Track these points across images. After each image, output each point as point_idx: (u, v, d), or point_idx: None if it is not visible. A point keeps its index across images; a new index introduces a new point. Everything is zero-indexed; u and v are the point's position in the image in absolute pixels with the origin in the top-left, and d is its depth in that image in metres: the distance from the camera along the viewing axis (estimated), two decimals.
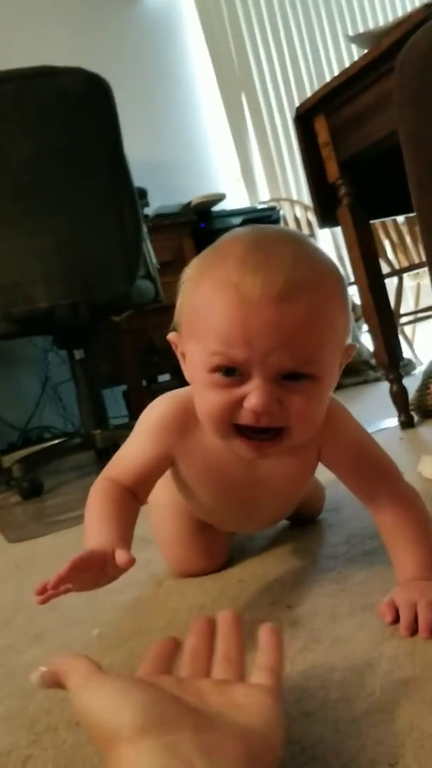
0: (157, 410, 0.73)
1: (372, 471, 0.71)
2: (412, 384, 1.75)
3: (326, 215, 1.63)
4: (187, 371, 0.65)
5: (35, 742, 0.55)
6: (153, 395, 2.59)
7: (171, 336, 0.66)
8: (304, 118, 1.59)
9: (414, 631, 0.57)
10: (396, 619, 0.60)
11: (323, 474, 0.79)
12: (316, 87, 1.56)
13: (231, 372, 0.57)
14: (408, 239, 3.28)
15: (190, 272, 0.62)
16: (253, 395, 0.56)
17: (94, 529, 0.67)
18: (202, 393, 0.61)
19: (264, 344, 0.55)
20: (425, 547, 0.66)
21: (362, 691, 0.50)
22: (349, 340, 0.64)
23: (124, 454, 0.74)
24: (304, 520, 0.98)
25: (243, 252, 0.57)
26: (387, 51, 1.29)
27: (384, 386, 1.79)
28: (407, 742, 0.43)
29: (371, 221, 1.71)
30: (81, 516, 1.43)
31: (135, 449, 0.73)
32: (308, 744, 0.45)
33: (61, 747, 0.53)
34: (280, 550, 0.90)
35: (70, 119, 1.85)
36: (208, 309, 0.57)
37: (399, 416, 1.66)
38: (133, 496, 0.72)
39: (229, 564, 0.89)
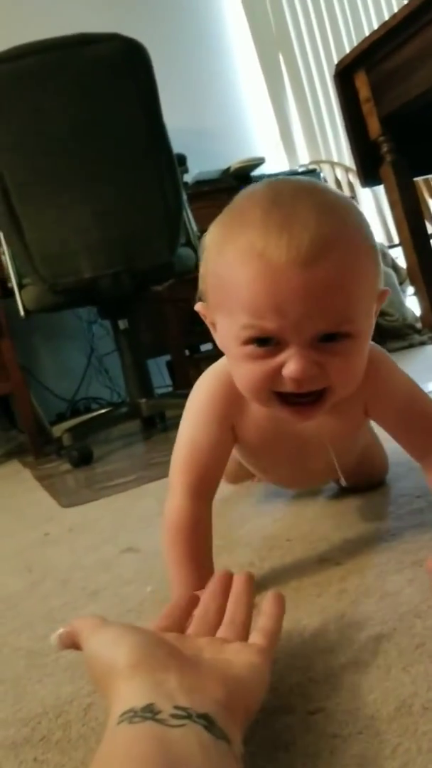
0: (206, 390, 0.72)
1: (423, 425, 0.70)
2: None
3: (368, 174, 1.59)
4: (220, 342, 0.63)
5: (96, 690, 0.57)
6: (196, 364, 2.62)
7: (198, 307, 0.64)
8: (344, 74, 1.55)
9: None
10: None
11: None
12: (356, 44, 1.52)
13: (265, 342, 0.56)
14: None
15: (210, 238, 0.59)
16: (292, 363, 0.55)
17: (178, 574, 0.68)
18: (238, 365, 0.60)
19: (296, 311, 0.53)
20: None
21: (412, 642, 0.51)
22: (382, 284, 0.61)
23: (186, 443, 0.72)
24: (363, 488, 0.95)
25: (262, 214, 0.54)
26: (427, 1, 1.25)
27: (430, 349, 1.76)
28: None
29: (415, 178, 1.67)
30: (129, 482, 1.47)
31: (194, 434, 0.71)
32: (363, 692, 0.46)
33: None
34: (327, 511, 0.91)
35: (108, 87, 1.85)
36: (233, 280, 0.55)
37: None
38: (205, 507, 0.71)
39: (275, 525, 0.91)
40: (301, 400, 0.59)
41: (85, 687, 0.58)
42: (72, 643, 0.47)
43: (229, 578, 0.55)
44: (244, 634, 0.48)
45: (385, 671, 0.48)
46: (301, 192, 0.56)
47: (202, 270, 0.61)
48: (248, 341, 0.56)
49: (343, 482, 0.83)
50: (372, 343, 0.67)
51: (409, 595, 0.59)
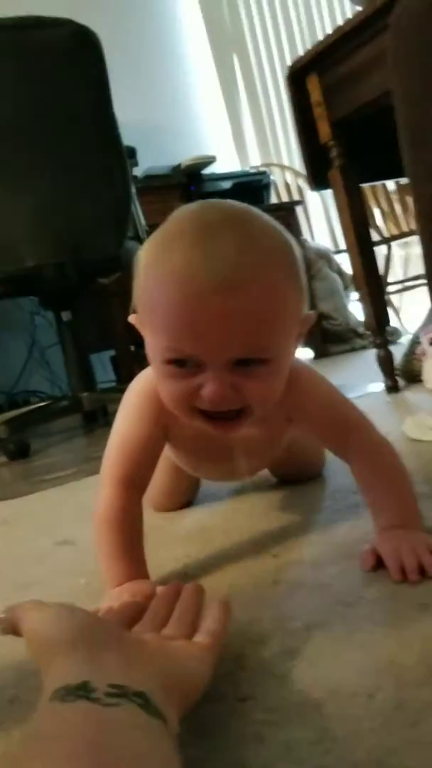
0: (142, 388, 0.73)
1: (342, 428, 0.73)
2: (398, 352, 1.76)
3: (317, 177, 1.61)
4: (148, 355, 0.64)
5: (22, 681, 0.56)
6: (141, 360, 2.58)
7: (132, 318, 0.65)
8: (297, 77, 1.56)
9: (404, 575, 0.58)
10: (376, 566, 0.61)
11: None
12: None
13: (185, 363, 0.58)
14: (398, 208, 3.26)
15: (142, 256, 0.60)
16: (208, 385, 0.57)
17: (110, 568, 0.67)
18: (161, 381, 0.62)
19: (212, 337, 0.55)
20: (399, 496, 0.68)
21: (343, 631, 0.52)
22: (305, 309, 0.64)
23: (119, 437, 0.73)
24: (299, 480, 0.99)
25: (187, 241, 0.55)
26: (382, 7, 1.27)
27: (371, 353, 1.80)
28: (386, 676, 0.44)
29: (362, 185, 1.70)
30: (68, 476, 1.45)
31: (127, 430, 0.72)
32: (293, 679, 0.47)
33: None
34: (265, 505, 0.91)
35: (57, 73, 1.81)
36: (156, 303, 0.57)
37: (385, 381, 1.67)
38: (136, 499, 0.71)
39: (213, 519, 0.91)
40: (221, 416, 0.61)
41: (11, 677, 0.57)
42: (12, 629, 0.46)
43: (179, 587, 0.56)
44: (189, 634, 0.48)
45: (315, 660, 0.49)
46: (229, 222, 0.57)
47: (135, 284, 0.62)
48: (169, 361, 0.58)
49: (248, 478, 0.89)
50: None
51: (341, 586, 0.60)
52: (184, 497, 0.99)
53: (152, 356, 0.61)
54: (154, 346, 0.60)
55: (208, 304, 0.53)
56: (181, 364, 0.58)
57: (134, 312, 0.64)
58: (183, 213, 0.60)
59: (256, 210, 0.61)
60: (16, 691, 0.54)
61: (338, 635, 0.51)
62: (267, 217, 0.61)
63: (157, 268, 0.57)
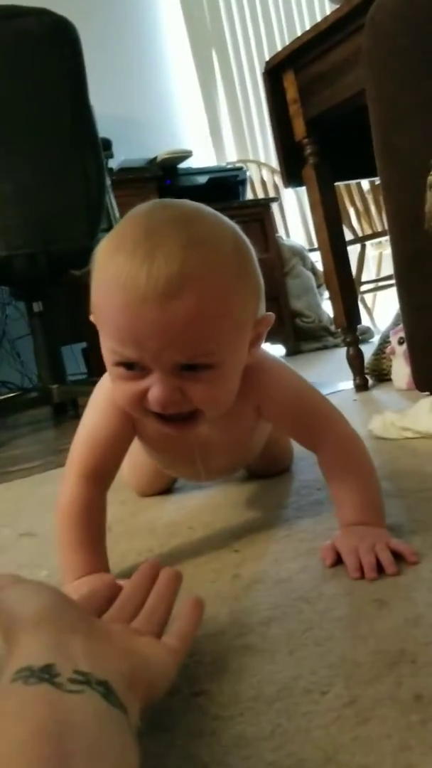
0: (109, 384, 0.70)
1: (311, 420, 0.72)
2: (369, 351, 1.77)
3: (291, 174, 1.62)
4: (102, 352, 0.63)
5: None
6: None
7: (92, 317, 0.64)
8: (273, 73, 1.56)
9: (362, 573, 0.59)
10: (335, 563, 0.62)
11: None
12: None
13: (131, 366, 0.58)
14: (372, 208, 3.29)
15: (97, 256, 0.59)
16: (154, 389, 0.58)
17: (70, 561, 0.67)
18: (113, 382, 0.62)
19: (152, 344, 0.55)
20: (364, 492, 0.68)
21: (300, 626, 0.52)
22: (261, 310, 0.64)
23: (85, 431, 0.72)
24: (267, 475, 1.00)
25: (130, 247, 0.55)
26: (358, 6, 1.28)
27: (341, 352, 1.81)
28: (339, 672, 0.45)
29: (337, 183, 1.71)
30: (34, 467, 1.44)
31: (94, 425, 0.72)
32: (247, 674, 0.47)
33: None
34: (230, 501, 0.91)
35: (33, 63, 1.79)
36: (102, 307, 0.58)
37: (354, 379, 1.69)
38: (99, 493, 0.71)
39: (178, 513, 0.90)
40: (174, 417, 0.61)
41: None
42: None
43: (155, 570, 0.54)
44: (158, 631, 0.47)
45: (270, 655, 0.49)
46: (173, 226, 0.56)
47: (91, 284, 0.61)
48: (117, 364, 0.59)
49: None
50: (261, 349, 0.70)
51: (301, 581, 0.60)
52: (166, 483, 1.00)
53: (105, 357, 0.61)
54: (104, 347, 0.60)
55: (146, 312, 0.53)
56: (129, 366, 0.58)
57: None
58: (133, 214, 0.60)
59: (206, 211, 0.60)
60: None
61: (294, 631, 0.51)
62: (218, 219, 0.60)
63: (102, 271, 0.57)
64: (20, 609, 0.40)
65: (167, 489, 1.02)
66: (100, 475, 0.71)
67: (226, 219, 0.61)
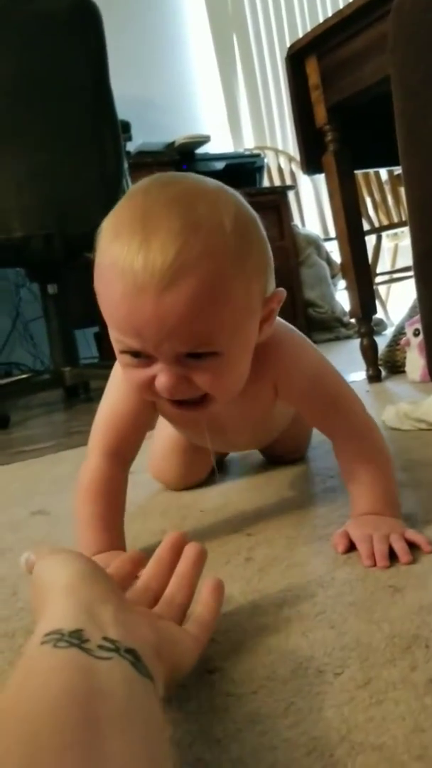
0: None
1: (329, 405, 0.71)
2: (382, 343, 1.76)
3: (311, 161, 1.61)
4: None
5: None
6: None
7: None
8: (296, 58, 1.55)
9: (374, 561, 0.59)
10: (347, 549, 0.62)
11: None
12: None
13: (137, 354, 0.57)
14: (390, 198, 3.26)
15: (99, 234, 0.57)
16: (160, 377, 0.57)
17: (87, 537, 0.67)
18: (122, 368, 0.61)
19: (152, 335, 0.54)
20: (379, 482, 0.67)
21: (313, 609, 0.52)
22: (269, 287, 0.61)
23: (107, 409, 0.72)
24: (284, 461, 0.99)
25: (127, 232, 0.52)
26: None
27: (354, 343, 1.80)
28: (353, 655, 0.45)
29: (356, 171, 1.69)
30: (46, 448, 1.44)
31: (116, 401, 0.72)
32: (261, 654, 0.47)
33: (17, 651, 0.54)
34: (242, 486, 0.92)
35: (55, 43, 1.79)
36: (102, 294, 0.56)
37: (367, 370, 1.68)
38: (120, 471, 0.71)
39: (190, 496, 0.91)
40: (185, 401, 0.61)
41: None
42: (31, 569, 0.46)
43: (180, 546, 0.53)
44: (180, 617, 0.47)
45: (284, 636, 0.49)
46: (172, 206, 0.53)
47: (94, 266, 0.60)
48: (123, 351, 0.58)
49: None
50: (281, 321, 0.69)
51: (314, 566, 0.60)
52: (195, 477, 0.96)
53: (112, 343, 0.60)
54: (111, 334, 0.59)
55: (143, 303, 0.52)
56: (134, 354, 0.57)
57: None
58: (132, 193, 0.57)
59: (207, 187, 0.57)
60: None
61: (308, 614, 0.52)
62: (219, 194, 0.57)
63: (102, 256, 0.55)
64: (52, 576, 0.41)
65: (202, 481, 0.97)
66: (122, 453, 0.71)
67: (229, 192, 0.58)
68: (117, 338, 0.57)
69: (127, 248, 0.52)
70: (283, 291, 0.63)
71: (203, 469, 0.95)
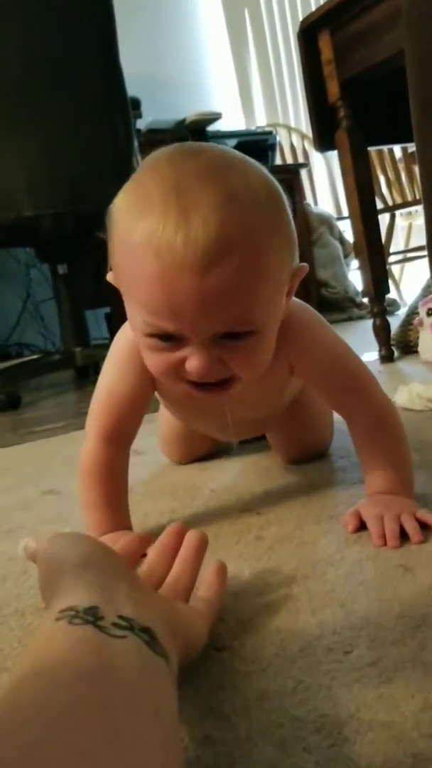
0: (128, 339, 0.69)
1: (346, 385, 0.70)
2: (395, 323, 1.75)
3: (323, 138, 1.58)
4: (129, 321, 0.60)
5: (2, 623, 0.56)
6: None
7: (110, 277, 0.60)
8: (308, 33, 1.52)
9: (384, 541, 0.58)
10: (357, 529, 0.62)
11: None
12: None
13: (167, 337, 0.55)
14: (404, 176, 3.22)
15: (115, 212, 0.55)
16: (192, 360, 0.55)
17: (92, 518, 0.68)
18: (144, 352, 0.59)
19: (192, 314, 0.51)
20: (394, 462, 0.67)
21: (323, 588, 0.52)
22: (295, 261, 0.59)
23: (103, 390, 0.71)
24: (308, 458, 0.91)
25: (159, 206, 0.50)
26: None
27: (367, 323, 1.79)
28: (362, 634, 0.45)
29: (369, 148, 1.67)
30: (57, 428, 1.45)
31: (112, 382, 0.70)
32: (270, 632, 0.47)
33: (27, 628, 0.54)
34: (252, 466, 0.92)
35: (63, 19, 1.76)
36: (133, 275, 0.53)
37: (380, 350, 1.67)
38: (120, 452, 0.70)
39: (200, 476, 0.91)
40: (208, 383, 0.59)
41: None
42: (34, 556, 0.46)
43: (181, 534, 0.53)
44: (185, 599, 0.47)
45: (293, 614, 0.49)
46: (205, 178, 0.51)
47: (109, 240, 0.57)
48: (150, 335, 0.55)
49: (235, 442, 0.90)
50: (297, 301, 0.68)
51: (324, 545, 0.60)
52: (203, 448, 0.97)
53: (133, 326, 0.58)
54: (134, 317, 0.56)
55: (184, 282, 0.50)
56: (163, 338, 0.55)
57: (111, 269, 0.59)
58: (154, 165, 0.54)
59: (233, 156, 0.55)
60: None
61: (317, 592, 0.51)
62: (246, 163, 0.55)
63: (129, 233, 0.52)
64: (65, 556, 0.41)
65: (206, 455, 0.99)
66: (121, 434, 0.70)
67: (251, 161, 0.56)
68: (147, 321, 0.54)
69: (162, 224, 0.49)
70: (306, 266, 0.62)
71: (205, 445, 0.97)
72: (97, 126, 1.83)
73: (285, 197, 0.58)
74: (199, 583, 0.50)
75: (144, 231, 0.50)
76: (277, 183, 0.57)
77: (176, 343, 0.55)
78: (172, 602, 0.43)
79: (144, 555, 0.52)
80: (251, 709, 0.39)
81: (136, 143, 1.94)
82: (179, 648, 0.38)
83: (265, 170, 0.57)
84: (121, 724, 0.27)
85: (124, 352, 0.70)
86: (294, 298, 0.66)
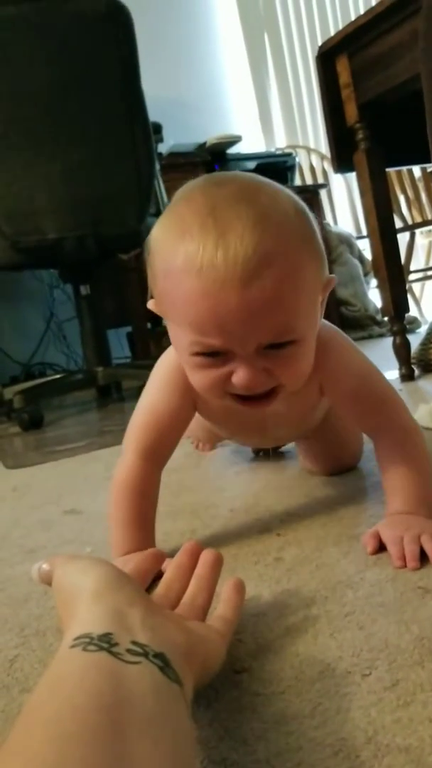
0: (172, 361, 0.71)
1: (372, 404, 0.71)
2: (416, 341, 1.75)
3: (342, 160, 1.60)
4: (173, 343, 0.64)
5: (23, 644, 0.57)
6: (157, 337, 2.60)
7: (151, 305, 0.64)
8: (326, 57, 1.54)
9: (404, 562, 0.58)
10: (377, 550, 0.62)
11: None
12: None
13: (213, 354, 0.58)
14: (423, 195, 3.22)
15: (154, 242, 0.59)
16: (240, 372, 0.57)
17: (119, 535, 0.69)
18: (190, 371, 0.62)
19: (237, 328, 0.54)
20: (416, 482, 0.67)
21: (342, 610, 0.52)
22: (325, 273, 0.62)
23: (146, 408, 0.73)
24: (338, 471, 0.92)
25: (198, 229, 0.54)
26: None
27: (387, 341, 1.79)
28: (381, 657, 0.45)
29: (387, 169, 1.68)
30: (79, 447, 1.46)
31: (155, 401, 0.72)
32: (288, 654, 0.47)
33: (48, 648, 0.55)
34: (271, 485, 0.92)
35: (87, 45, 1.81)
36: (177, 296, 0.56)
37: (400, 369, 1.67)
38: (155, 471, 0.72)
39: (220, 496, 0.91)
40: (254, 396, 0.61)
41: (13, 639, 0.58)
42: (48, 579, 0.47)
43: (197, 553, 0.54)
44: (201, 619, 0.48)
45: (312, 636, 0.49)
46: (238, 201, 0.55)
47: (149, 270, 0.61)
48: (196, 354, 0.58)
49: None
50: (325, 323, 0.70)
51: (343, 566, 0.60)
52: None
53: (178, 347, 0.61)
54: (179, 338, 0.59)
55: (228, 297, 0.53)
56: (209, 355, 0.58)
57: (152, 297, 0.63)
58: (187, 196, 0.58)
59: (260, 180, 0.59)
60: (17, 651, 0.55)
61: (336, 614, 0.52)
62: (273, 186, 0.59)
63: (170, 259, 0.55)
64: (80, 583, 0.41)
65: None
66: (158, 452, 0.72)
67: (277, 184, 0.60)
68: (194, 340, 0.57)
69: (202, 245, 0.53)
70: (334, 277, 0.65)
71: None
72: (120, 150, 1.86)
73: (311, 214, 0.61)
74: (216, 602, 0.50)
75: (185, 254, 0.54)
76: (301, 201, 0.61)
77: (222, 358, 0.58)
78: (188, 622, 0.43)
79: (161, 574, 0.53)
80: (269, 732, 0.39)
81: (157, 166, 1.97)
82: (195, 669, 0.38)
83: (289, 191, 0.60)
84: (134, 748, 0.28)
85: (167, 373, 0.72)
86: (324, 321, 0.68)
